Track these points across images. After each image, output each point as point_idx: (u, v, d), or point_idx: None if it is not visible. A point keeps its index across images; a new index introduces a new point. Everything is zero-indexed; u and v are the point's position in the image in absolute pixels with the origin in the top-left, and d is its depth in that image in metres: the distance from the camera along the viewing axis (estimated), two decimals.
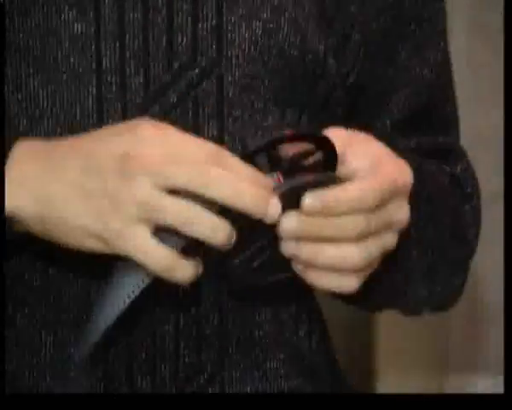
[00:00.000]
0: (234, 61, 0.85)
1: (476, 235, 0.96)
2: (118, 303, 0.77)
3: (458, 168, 0.96)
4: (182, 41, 0.85)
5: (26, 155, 0.75)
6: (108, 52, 0.84)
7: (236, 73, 0.85)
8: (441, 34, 0.98)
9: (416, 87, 0.94)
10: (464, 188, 0.95)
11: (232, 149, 0.72)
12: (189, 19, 0.85)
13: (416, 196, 0.79)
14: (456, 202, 0.94)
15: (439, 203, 0.90)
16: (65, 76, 0.84)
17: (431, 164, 0.91)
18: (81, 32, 0.83)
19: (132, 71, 0.84)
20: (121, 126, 0.74)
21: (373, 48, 0.92)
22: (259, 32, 0.86)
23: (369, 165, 0.72)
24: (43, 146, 0.76)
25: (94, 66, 0.83)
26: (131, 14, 0.83)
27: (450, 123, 0.99)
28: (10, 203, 0.74)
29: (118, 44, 0.84)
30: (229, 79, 0.85)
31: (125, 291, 0.77)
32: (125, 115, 0.82)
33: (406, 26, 0.93)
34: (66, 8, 0.83)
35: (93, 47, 0.83)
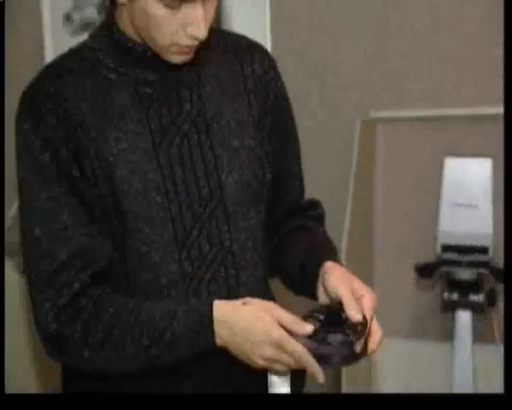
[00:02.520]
0: (229, 195, 1.55)
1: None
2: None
3: (319, 210, 1.71)
4: (204, 188, 1.55)
5: (221, 312, 1.41)
6: (173, 196, 1.52)
7: (232, 195, 1.55)
8: (296, 137, 1.69)
9: (293, 179, 1.69)
10: (322, 220, 1.71)
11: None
12: (204, 176, 1.53)
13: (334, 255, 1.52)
14: (324, 231, 1.68)
15: (327, 242, 1.61)
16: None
17: (323, 233, 1.65)
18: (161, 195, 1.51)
19: (182, 202, 1.52)
20: (256, 323, 1.38)
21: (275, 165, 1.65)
22: (240, 175, 1.56)
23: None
24: (229, 310, 1.41)
25: (166, 213, 1.51)
26: (179, 170, 1.53)
27: (303, 189, 1.72)
28: (222, 341, 1.38)
29: (173, 192, 1.53)
30: (228, 203, 1.54)
31: None
32: (184, 220, 1.52)
33: (283, 142, 1.67)
34: (153, 194, 1.49)
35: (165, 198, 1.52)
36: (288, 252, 1.70)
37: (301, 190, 1.75)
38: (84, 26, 2.84)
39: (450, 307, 2.52)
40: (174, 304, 1.52)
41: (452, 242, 2.51)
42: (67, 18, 2.87)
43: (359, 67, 2.76)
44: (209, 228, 1.56)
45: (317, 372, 1.36)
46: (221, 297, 1.49)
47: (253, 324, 1.43)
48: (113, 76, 1.57)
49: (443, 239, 2.51)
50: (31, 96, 1.55)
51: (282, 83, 1.70)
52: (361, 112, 2.67)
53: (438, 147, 2.59)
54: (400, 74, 2.72)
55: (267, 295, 1.60)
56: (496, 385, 2.41)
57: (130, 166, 1.54)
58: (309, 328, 1.35)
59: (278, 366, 1.42)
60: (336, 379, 2.44)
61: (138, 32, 1.54)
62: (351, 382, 2.44)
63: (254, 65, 1.67)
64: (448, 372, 2.58)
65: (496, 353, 2.54)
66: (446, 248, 2.51)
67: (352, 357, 1.33)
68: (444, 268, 2.50)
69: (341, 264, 1.53)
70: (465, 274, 2.48)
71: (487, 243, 2.47)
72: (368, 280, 2.37)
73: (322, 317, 1.35)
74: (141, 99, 1.57)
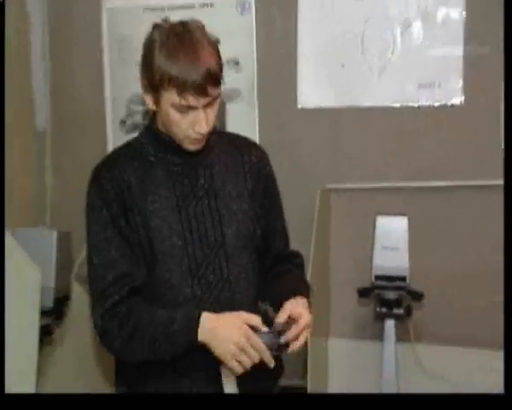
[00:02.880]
0: (228, 242, 1.83)
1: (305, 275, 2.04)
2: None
3: (299, 259, 2.00)
4: (211, 237, 1.82)
5: (207, 321, 1.70)
6: (188, 237, 1.82)
7: (231, 243, 1.83)
8: (279, 195, 2.00)
9: (278, 234, 1.97)
10: (302, 266, 2.02)
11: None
12: (211, 228, 1.82)
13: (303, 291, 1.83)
14: (302, 274, 2.00)
15: (302, 282, 1.92)
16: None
17: (296, 275, 1.95)
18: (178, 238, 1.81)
19: (195, 246, 1.81)
20: (232, 322, 1.70)
21: (263, 222, 1.91)
22: (236, 229, 1.84)
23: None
24: (211, 320, 1.70)
25: (182, 242, 1.82)
26: (194, 223, 1.81)
27: (287, 242, 2.01)
28: (202, 338, 1.69)
29: (187, 237, 1.81)
30: (228, 248, 1.82)
31: None
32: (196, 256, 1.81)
33: (269, 205, 1.95)
34: (176, 239, 1.82)
35: (181, 239, 1.81)
36: (274, 288, 1.88)
37: (286, 242, 2.01)
38: (134, 127, 2.95)
39: (380, 317, 2.69)
40: (177, 312, 1.74)
41: (382, 273, 2.67)
42: (123, 122, 3.00)
43: (319, 155, 2.89)
44: (214, 264, 1.81)
45: (268, 358, 1.68)
46: (221, 312, 1.74)
47: (230, 324, 1.69)
48: (152, 159, 1.84)
49: (376, 271, 2.68)
50: (96, 172, 1.84)
51: (271, 168, 1.96)
52: (319, 184, 2.76)
53: (371, 209, 2.72)
54: (346, 158, 2.87)
55: (255, 311, 1.77)
56: (409, 369, 2.77)
57: (160, 219, 1.79)
58: (265, 328, 1.68)
59: (243, 358, 1.66)
60: (303, 377, 2.52)
61: (166, 129, 1.80)
62: (313, 375, 2.48)
63: (251, 156, 1.93)
64: (379, 362, 2.69)
65: (410, 349, 2.76)
66: (378, 277, 2.68)
67: (281, 349, 1.69)
68: (376, 291, 2.67)
69: (308, 297, 1.81)
70: (390, 295, 2.64)
71: (405, 273, 2.64)
72: (326, 301, 2.75)
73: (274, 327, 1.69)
74: (170, 174, 1.83)
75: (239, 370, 1.68)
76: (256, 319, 1.69)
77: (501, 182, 2.50)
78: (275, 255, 1.97)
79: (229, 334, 1.68)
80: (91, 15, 2.97)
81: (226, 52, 2.68)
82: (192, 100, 1.69)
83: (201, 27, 1.77)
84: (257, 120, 2.88)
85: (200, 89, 1.67)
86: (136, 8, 2.93)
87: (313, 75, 2.84)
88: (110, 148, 2.95)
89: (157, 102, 1.74)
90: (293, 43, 2.83)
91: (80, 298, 2.39)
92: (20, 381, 1.80)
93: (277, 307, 1.75)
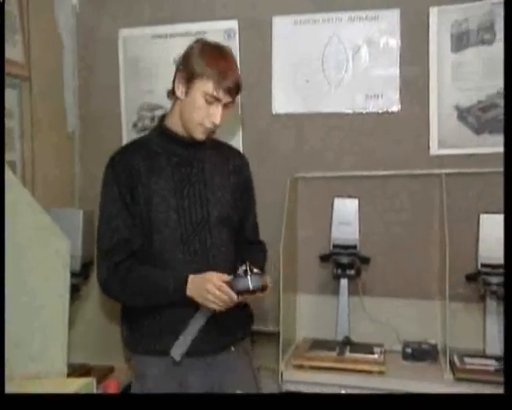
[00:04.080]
0: (212, 220, 1.83)
1: (265, 259, 2.05)
2: (199, 323, 1.75)
3: (262, 246, 2.03)
4: (199, 214, 1.81)
5: (192, 281, 1.74)
6: (182, 214, 1.82)
7: (213, 221, 1.84)
8: (254, 193, 2.00)
9: (250, 221, 2.00)
10: (264, 250, 2.04)
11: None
12: (200, 208, 1.83)
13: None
14: (264, 255, 2.01)
15: (262, 260, 1.97)
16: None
17: (259, 252, 1.99)
18: (172, 210, 1.81)
19: (186, 220, 1.82)
20: (208, 280, 1.73)
21: (241, 208, 1.93)
22: (219, 212, 1.84)
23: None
24: (194, 279, 1.74)
25: (177, 217, 1.82)
26: (187, 202, 1.82)
27: (257, 230, 2.03)
28: (189, 293, 1.74)
29: (181, 213, 1.81)
30: (211, 225, 1.83)
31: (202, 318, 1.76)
32: (186, 226, 1.83)
33: (246, 197, 1.98)
34: (171, 213, 1.81)
35: (176, 214, 1.81)
36: (244, 257, 1.86)
37: (256, 228, 2.05)
38: (143, 128, 2.93)
39: (337, 277, 2.66)
40: (170, 274, 1.77)
41: (338, 243, 2.66)
42: (134, 125, 2.98)
43: (289, 150, 2.85)
44: (200, 236, 1.83)
45: (233, 296, 1.70)
46: (204, 272, 1.76)
47: (207, 280, 1.73)
48: (158, 149, 1.84)
49: (333, 241, 2.66)
50: (112, 158, 1.85)
51: (249, 171, 2.01)
52: (289, 174, 2.72)
53: (330, 193, 2.71)
54: (310, 153, 2.84)
55: (229, 272, 1.77)
56: (359, 318, 2.72)
57: (160, 197, 1.80)
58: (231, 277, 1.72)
59: (217, 301, 1.71)
60: (277, 324, 2.48)
61: (182, 119, 1.78)
62: (284, 322, 2.48)
63: (235, 159, 1.97)
64: (335, 312, 2.68)
65: (360, 302, 2.71)
66: (335, 246, 2.66)
67: (249, 292, 1.71)
68: (334, 257, 2.65)
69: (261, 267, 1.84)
70: (344, 260, 2.63)
71: (356, 243, 2.64)
72: (294, 265, 2.76)
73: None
74: (171, 163, 1.83)
75: (216, 307, 1.75)
76: (224, 276, 1.74)
77: (428, 171, 2.65)
78: (246, 238, 1.99)
79: (206, 287, 1.72)
80: (110, 41, 2.98)
81: None
82: (222, 95, 1.72)
83: (230, 50, 1.82)
84: (240, 124, 2.86)
85: (230, 90, 1.72)
86: (146, 36, 2.94)
87: (284, 88, 2.83)
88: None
89: (187, 91, 1.75)
90: (269, 63, 2.83)
91: None
92: (55, 329, 1.81)
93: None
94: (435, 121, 2.65)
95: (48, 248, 1.79)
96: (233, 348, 1.91)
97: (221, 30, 2.82)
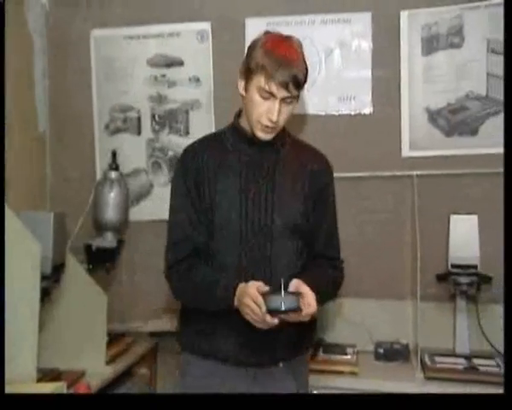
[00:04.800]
0: (275, 227, 1.73)
1: (340, 283, 1.89)
2: None
3: (338, 262, 1.87)
4: (262, 220, 1.73)
5: (238, 292, 1.63)
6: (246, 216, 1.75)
7: (277, 229, 1.75)
8: (333, 202, 1.87)
9: (327, 231, 1.85)
10: (339, 270, 1.87)
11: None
12: (264, 213, 1.73)
13: (318, 287, 1.64)
14: (334, 274, 1.84)
15: (328, 284, 1.78)
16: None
17: (325, 269, 1.82)
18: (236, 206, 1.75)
19: (248, 223, 1.76)
20: (247, 291, 1.61)
21: (313, 214, 1.80)
22: (284, 220, 1.74)
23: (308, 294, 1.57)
24: (239, 290, 1.63)
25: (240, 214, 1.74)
26: (251, 205, 1.73)
27: (334, 243, 1.87)
28: (236, 304, 1.64)
29: (244, 212, 1.75)
30: (274, 232, 1.73)
31: None
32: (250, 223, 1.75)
33: (323, 203, 1.84)
34: (233, 214, 1.74)
35: (239, 212, 1.73)
36: (303, 274, 1.75)
37: (330, 242, 1.86)
38: (115, 130, 2.91)
39: None
40: (220, 281, 1.70)
41: None
42: (106, 126, 2.92)
43: None
44: (260, 243, 1.74)
45: (267, 316, 1.57)
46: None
47: (246, 292, 1.62)
48: (230, 147, 1.81)
49: None
50: (183, 152, 1.84)
51: (332, 178, 1.87)
52: None
53: None
54: None
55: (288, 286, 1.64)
56: (333, 319, 2.70)
57: (225, 196, 1.76)
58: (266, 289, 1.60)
59: (253, 317, 1.59)
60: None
61: (246, 116, 1.74)
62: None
63: (313, 165, 1.85)
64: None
65: (333, 303, 2.66)
66: None
67: (285, 312, 1.56)
68: None
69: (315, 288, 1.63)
70: None
71: None
72: None
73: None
74: (240, 162, 1.79)
75: (254, 323, 1.63)
76: (265, 287, 1.62)
77: (399, 173, 2.66)
78: (318, 252, 1.87)
79: (244, 300, 1.62)
80: (82, 41, 2.96)
81: (189, 71, 2.81)
82: (274, 89, 1.65)
83: (299, 42, 1.75)
84: (213, 124, 2.84)
85: (283, 83, 1.64)
86: (118, 37, 2.92)
87: None
88: (96, 146, 2.95)
89: (246, 87, 1.71)
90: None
91: (73, 265, 2.35)
92: (25, 333, 1.80)
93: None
94: (407, 123, 2.67)
95: (18, 251, 1.78)
96: (281, 365, 1.83)
97: (194, 31, 2.82)
